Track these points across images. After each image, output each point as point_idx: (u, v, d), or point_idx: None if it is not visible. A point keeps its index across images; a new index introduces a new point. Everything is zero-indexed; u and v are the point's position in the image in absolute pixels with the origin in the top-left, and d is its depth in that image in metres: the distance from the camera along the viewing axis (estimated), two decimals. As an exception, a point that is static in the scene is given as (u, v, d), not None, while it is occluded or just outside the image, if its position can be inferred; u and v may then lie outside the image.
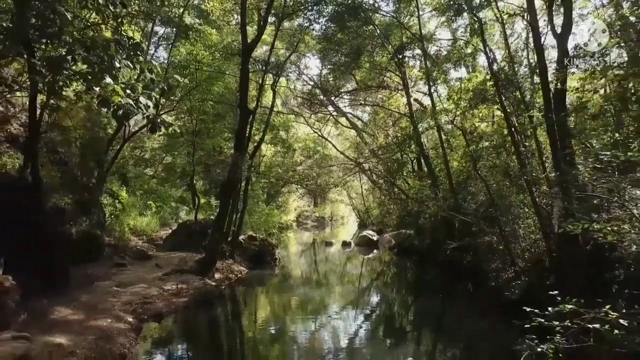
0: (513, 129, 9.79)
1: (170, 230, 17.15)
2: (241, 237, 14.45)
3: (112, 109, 4.68)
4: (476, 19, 9.13)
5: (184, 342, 6.98)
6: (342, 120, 25.59)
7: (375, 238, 21.17)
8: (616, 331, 3.36)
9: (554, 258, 7.37)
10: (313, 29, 14.79)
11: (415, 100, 17.79)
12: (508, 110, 9.69)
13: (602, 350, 3.50)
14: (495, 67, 12.17)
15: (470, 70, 15.53)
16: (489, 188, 8.82)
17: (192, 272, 10.50)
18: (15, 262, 6.77)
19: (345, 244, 21.41)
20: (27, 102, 11.43)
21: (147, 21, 10.95)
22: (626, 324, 3.25)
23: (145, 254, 12.20)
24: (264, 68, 13.34)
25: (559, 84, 6.88)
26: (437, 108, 11.43)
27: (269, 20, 12.26)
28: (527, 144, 9.70)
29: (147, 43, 12.55)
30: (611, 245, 6.65)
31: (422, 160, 16.15)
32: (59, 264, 8.27)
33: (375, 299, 11.30)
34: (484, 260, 10.27)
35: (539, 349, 3.32)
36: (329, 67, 19.78)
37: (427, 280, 12.70)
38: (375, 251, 19.63)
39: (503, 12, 8.90)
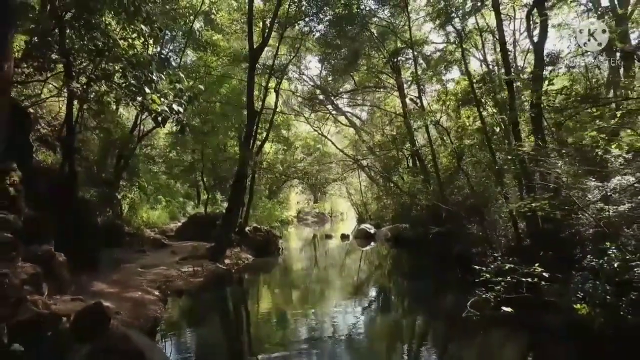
0: (499, 128, 10.95)
1: (178, 223, 18.30)
2: (247, 229, 15.60)
3: (152, 115, 5.79)
4: (457, 32, 10.21)
5: (204, 313, 8.14)
6: (341, 118, 26.70)
7: (372, 231, 22.25)
8: (542, 282, 4.50)
9: (521, 242, 8.50)
10: (314, 35, 15.83)
11: (411, 99, 18.91)
12: (494, 110, 10.85)
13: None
14: (483, 69, 13.27)
15: (464, 70, 16.66)
16: (470, 181, 9.94)
17: (204, 258, 11.64)
18: (56, 244, 7.91)
19: (344, 237, 22.52)
20: (50, 106, 12.60)
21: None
22: (547, 276, 4.38)
23: (161, 242, 13.36)
24: (268, 71, 14.42)
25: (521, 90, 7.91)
26: (427, 109, 12.54)
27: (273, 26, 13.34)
28: (507, 141, 10.86)
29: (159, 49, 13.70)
30: (574, 230, 7.80)
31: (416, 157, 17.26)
32: (91, 247, 9.42)
33: (369, 283, 12.38)
34: (469, 247, 11.41)
35: (484, 296, 4.45)
36: (328, 68, 20.91)
37: (419, 268, 13.77)
38: (372, 243, 20.66)
39: (479, 28, 9.98)
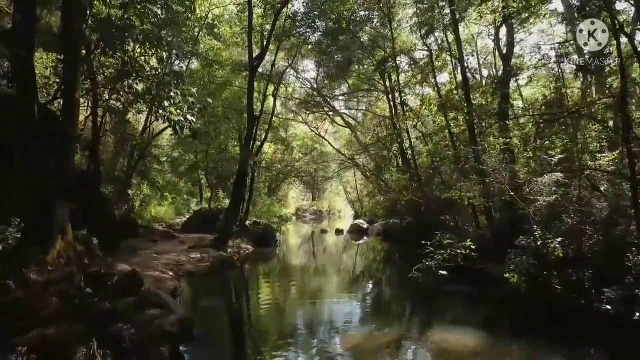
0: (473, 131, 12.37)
1: (184, 219, 19.76)
2: (247, 223, 17.05)
3: (171, 124, 7.23)
4: (428, 49, 11.64)
5: (211, 288, 9.64)
6: (338, 119, 28.04)
7: (365, 226, 23.65)
8: (473, 254, 5.93)
9: (481, 231, 9.93)
10: (308, 46, 17.25)
11: (402, 102, 20.29)
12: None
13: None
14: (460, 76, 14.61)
15: (433, 84, 18.01)
16: (442, 177, 11.36)
17: (209, 247, 13.08)
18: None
19: (339, 232, 23.92)
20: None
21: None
22: (474, 247, 5.81)
23: (170, 234, 14.81)
24: (266, 80, 15.87)
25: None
26: (408, 114, 13.98)
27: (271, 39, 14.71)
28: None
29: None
30: (526, 220, 9.23)
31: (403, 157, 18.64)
32: (112, 236, 10.86)
33: (356, 269, 13.83)
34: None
35: (427, 263, 5.89)
36: (323, 73, 22.33)
37: (402, 257, 15.20)
38: (365, 238, 22.03)
39: (449, 43, 11.39)
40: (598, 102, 6.49)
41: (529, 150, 6.31)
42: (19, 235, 5.48)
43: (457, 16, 10.03)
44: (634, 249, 6.58)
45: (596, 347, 5.36)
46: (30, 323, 4.03)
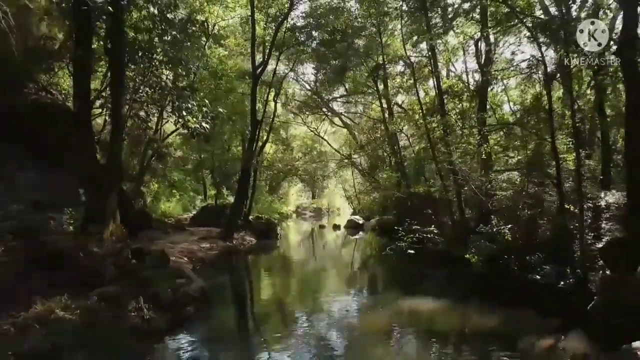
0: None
1: (190, 214, 21.16)
2: (250, 217, 18.48)
3: (189, 130, 8.65)
4: (410, 62, 13.02)
5: (220, 271, 11.09)
6: (336, 120, 29.39)
7: (361, 222, 25.04)
8: (437, 238, 7.33)
9: (455, 222, 11.32)
10: (307, 52, 18.68)
11: (396, 103, 21.65)
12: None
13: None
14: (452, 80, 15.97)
15: (416, 95, 19.16)
16: (425, 175, 12.75)
17: (217, 239, 14.51)
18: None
19: (336, 227, 25.35)
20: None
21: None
22: (437, 231, 7.21)
23: (181, 227, 16.23)
24: (268, 86, 17.30)
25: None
26: (395, 118, 15.40)
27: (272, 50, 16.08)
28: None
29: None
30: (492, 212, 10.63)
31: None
32: (131, 227, 12.27)
33: (347, 257, 15.28)
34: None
35: (398, 244, 7.31)
36: (321, 77, 23.73)
37: (392, 249, 16.62)
38: (361, 233, 23.43)
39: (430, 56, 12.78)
40: (531, 114, 7.86)
41: (482, 152, 7.68)
42: (72, 221, 6.90)
43: (432, 31, 11.36)
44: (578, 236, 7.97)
45: (525, 305, 6.79)
46: (95, 282, 5.46)
